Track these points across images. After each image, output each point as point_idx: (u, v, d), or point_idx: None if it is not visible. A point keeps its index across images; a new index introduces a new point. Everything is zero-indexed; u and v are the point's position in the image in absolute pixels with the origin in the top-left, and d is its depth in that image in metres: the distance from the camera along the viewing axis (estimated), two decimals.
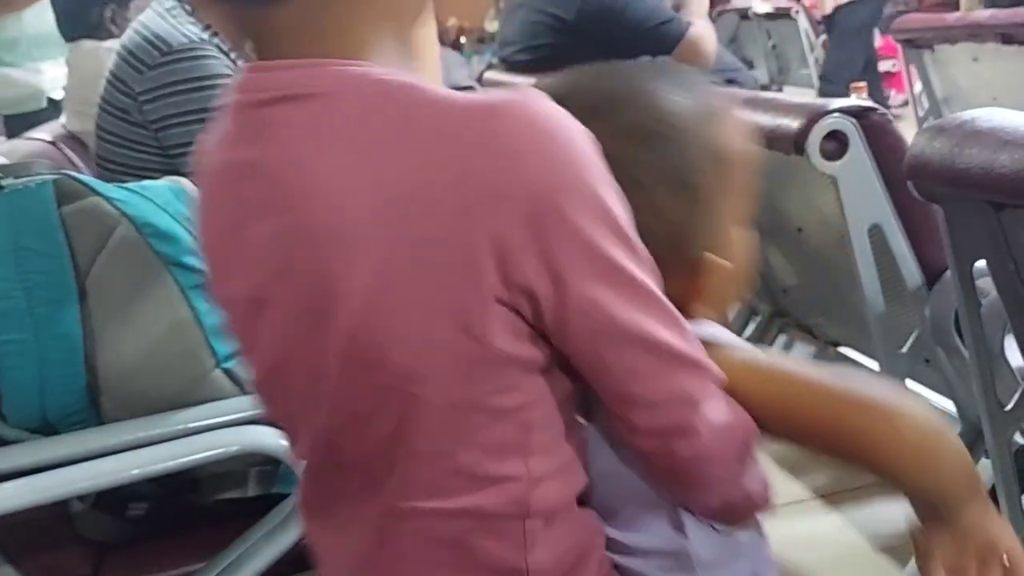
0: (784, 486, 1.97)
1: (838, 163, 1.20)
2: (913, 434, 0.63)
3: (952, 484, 0.64)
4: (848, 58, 4.28)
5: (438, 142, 0.55)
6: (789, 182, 1.47)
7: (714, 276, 0.66)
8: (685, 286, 0.65)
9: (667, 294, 0.60)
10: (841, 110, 1.20)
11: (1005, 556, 0.66)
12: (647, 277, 0.58)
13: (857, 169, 1.21)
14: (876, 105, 1.24)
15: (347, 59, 0.59)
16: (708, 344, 0.62)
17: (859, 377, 0.69)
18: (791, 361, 0.70)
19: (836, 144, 1.20)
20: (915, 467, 0.64)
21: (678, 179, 0.64)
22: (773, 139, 1.28)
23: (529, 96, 0.57)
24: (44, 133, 2.08)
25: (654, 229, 0.61)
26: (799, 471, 2.01)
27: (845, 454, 0.66)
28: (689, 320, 0.62)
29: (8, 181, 1.02)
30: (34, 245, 1.01)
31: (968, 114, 0.89)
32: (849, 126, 1.19)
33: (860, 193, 1.22)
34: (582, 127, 0.57)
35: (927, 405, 0.66)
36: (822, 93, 4.17)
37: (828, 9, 4.41)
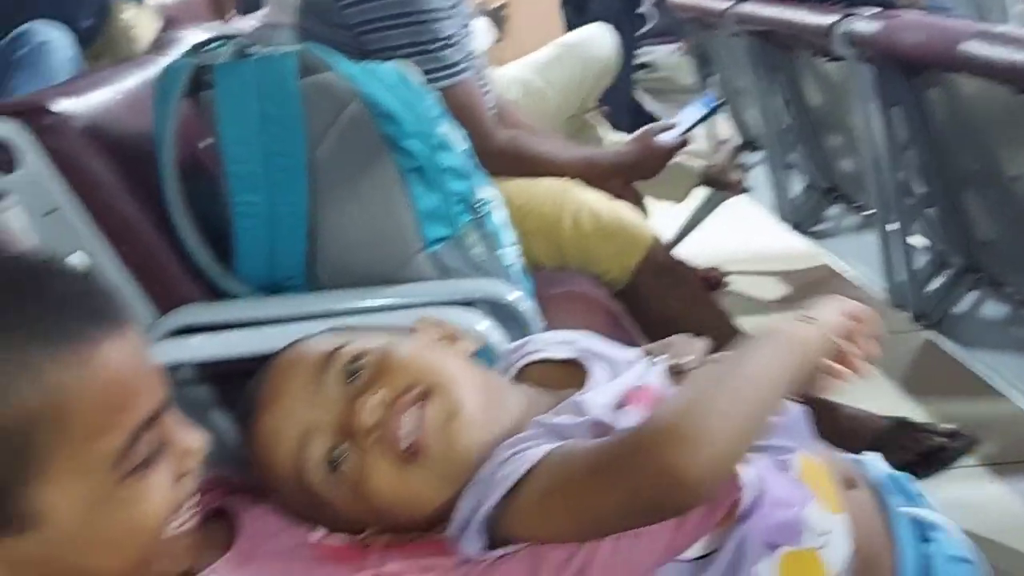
0: None
1: None
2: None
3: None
4: None
5: None
6: (1010, 126, 1.38)
7: None
8: None
9: None
10: None
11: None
12: None
13: None
14: None
15: None
16: None
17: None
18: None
19: None
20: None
21: None
22: (1012, 75, 1.19)
23: None
24: (249, 21, 2.18)
25: None
26: None
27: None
28: None
29: (255, 49, 1.07)
30: (275, 113, 1.05)
31: None
32: None
33: None
34: None
35: None
36: None
37: None
